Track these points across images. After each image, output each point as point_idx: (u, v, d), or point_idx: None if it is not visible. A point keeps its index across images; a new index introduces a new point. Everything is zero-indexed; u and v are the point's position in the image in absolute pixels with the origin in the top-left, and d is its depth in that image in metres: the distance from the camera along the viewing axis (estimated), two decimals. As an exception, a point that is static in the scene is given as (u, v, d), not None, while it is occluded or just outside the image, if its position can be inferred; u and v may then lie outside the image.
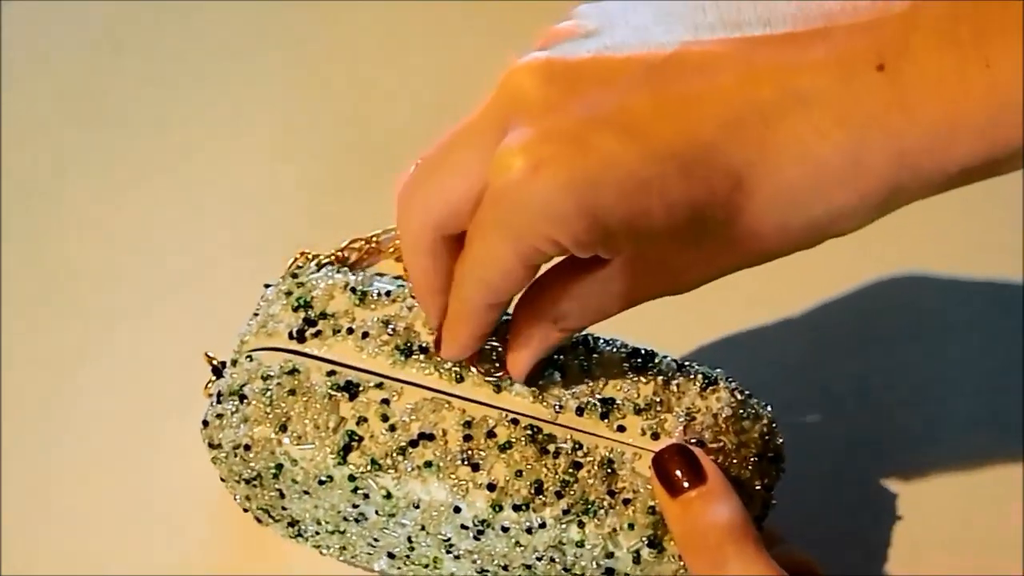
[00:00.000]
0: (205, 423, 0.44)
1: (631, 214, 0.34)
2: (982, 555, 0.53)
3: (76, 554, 0.53)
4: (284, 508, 0.45)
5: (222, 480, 0.46)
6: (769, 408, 0.44)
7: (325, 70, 0.71)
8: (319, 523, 0.45)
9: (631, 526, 0.40)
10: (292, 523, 0.46)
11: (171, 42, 0.72)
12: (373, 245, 0.62)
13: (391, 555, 0.46)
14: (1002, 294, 0.61)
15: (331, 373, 0.43)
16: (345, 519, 0.44)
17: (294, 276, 0.46)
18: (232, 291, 0.60)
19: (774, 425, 0.44)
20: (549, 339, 0.40)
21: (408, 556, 0.45)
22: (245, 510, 0.47)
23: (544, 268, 0.38)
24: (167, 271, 0.62)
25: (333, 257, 0.61)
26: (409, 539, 0.44)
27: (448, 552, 0.43)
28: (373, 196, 0.65)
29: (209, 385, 0.47)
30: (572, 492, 0.40)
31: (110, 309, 0.61)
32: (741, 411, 0.42)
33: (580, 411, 0.42)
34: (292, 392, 0.43)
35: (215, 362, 0.47)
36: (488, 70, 0.70)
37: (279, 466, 0.42)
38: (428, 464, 0.41)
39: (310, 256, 0.61)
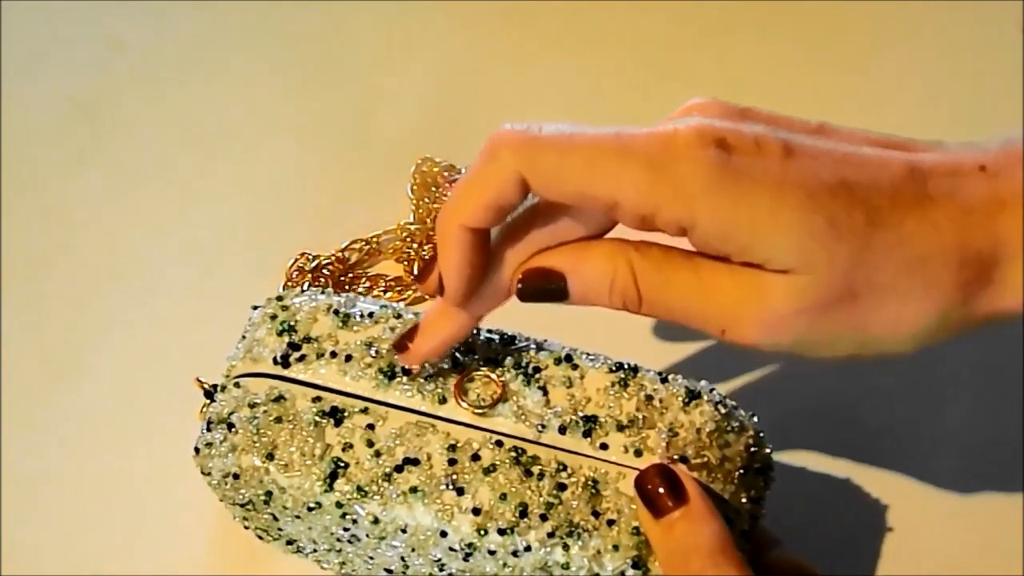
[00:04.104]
0: (197, 450, 0.44)
1: (780, 206, 0.36)
2: (982, 555, 0.52)
3: (76, 555, 0.54)
4: (280, 529, 0.46)
5: (220, 501, 0.46)
6: (755, 419, 0.44)
7: (326, 72, 0.71)
8: (315, 542, 0.46)
9: (616, 548, 0.40)
10: (290, 542, 0.47)
11: (170, 44, 0.72)
12: (373, 246, 0.63)
13: (388, 571, 0.46)
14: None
15: (316, 399, 0.43)
16: (339, 540, 0.45)
17: (279, 299, 0.46)
18: (233, 291, 0.61)
19: (761, 435, 0.43)
20: None
21: (404, 573, 0.45)
22: (245, 527, 0.48)
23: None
24: (168, 271, 0.63)
25: (333, 258, 0.62)
26: (402, 558, 0.44)
27: (441, 571, 0.44)
28: (374, 197, 0.65)
29: (204, 409, 0.47)
30: (557, 514, 0.41)
31: (114, 309, 0.62)
32: (725, 424, 0.42)
33: (563, 430, 0.42)
34: (278, 420, 0.43)
35: (206, 386, 0.47)
36: (490, 73, 0.70)
37: (269, 493, 0.43)
38: (414, 490, 0.41)
39: (311, 257, 0.62)
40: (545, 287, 0.40)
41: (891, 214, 0.36)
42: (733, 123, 0.37)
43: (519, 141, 0.38)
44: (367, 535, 0.43)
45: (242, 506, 0.45)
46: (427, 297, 0.62)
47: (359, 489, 0.41)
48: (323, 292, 0.46)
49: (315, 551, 0.47)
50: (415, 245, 0.63)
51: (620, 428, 0.42)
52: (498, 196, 0.39)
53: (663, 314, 0.40)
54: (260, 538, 0.48)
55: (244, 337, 0.46)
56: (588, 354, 0.44)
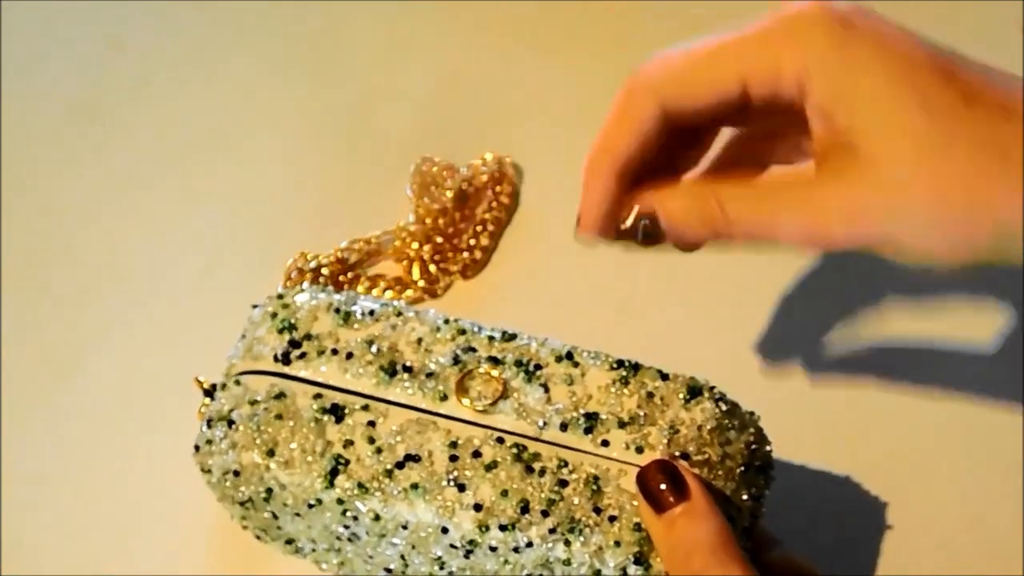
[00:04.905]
0: (197, 448, 0.44)
1: (887, 78, 0.37)
2: (982, 555, 0.52)
3: (76, 555, 0.54)
4: (279, 528, 0.46)
5: (219, 501, 0.46)
6: (756, 417, 0.44)
7: (326, 72, 0.71)
8: (314, 541, 0.46)
9: (617, 544, 0.40)
10: (289, 541, 0.47)
11: (170, 44, 0.73)
12: (373, 246, 0.63)
13: (388, 570, 0.46)
14: (1002, 298, 0.60)
15: (317, 396, 0.43)
16: (338, 538, 0.44)
17: (280, 297, 0.46)
18: (232, 291, 0.61)
19: (762, 434, 0.43)
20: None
21: (404, 572, 0.45)
22: (244, 528, 0.48)
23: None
24: (167, 271, 0.63)
25: (333, 258, 0.62)
26: (402, 556, 0.44)
27: (441, 568, 0.44)
28: (373, 197, 0.65)
29: (202, 408, 0.47)
30: (558, 511, 0.40)
31: (114, 309, 0.62)
32: (726, 422, 0.42)
33: (564, 427, 0.42)
34: (279, 417, 0.43)
35: (206, 385, 0.47)
36: (490, 73, 0.70)
37: (269, 490, 0.43)
38: (415, 486, 0.41)
39: (309, 257, 0.62)
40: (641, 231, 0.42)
41: (984, 99, 0.37)
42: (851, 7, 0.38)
43: (651, 80, 0.40)
44: (367, 533, 0.43)
45: (241, 504, 0.45)
46: (426, 297, 0.62)
47: (360, 486, 0.41)
48: (324, 290, 0.46)
49: (314, 550, 0.47)
50: (415, 245, 0.63)
51: (621, 425, 0.42)
52: (640, 135, 0.41)
53: (748, 229, 0.40)
54: (258, 538, 0.48)
55: (244, 336, 0.46)
56: (589, 352, 0.44)
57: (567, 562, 0.40)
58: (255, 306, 0.47)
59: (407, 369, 0.43)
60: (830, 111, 0.38)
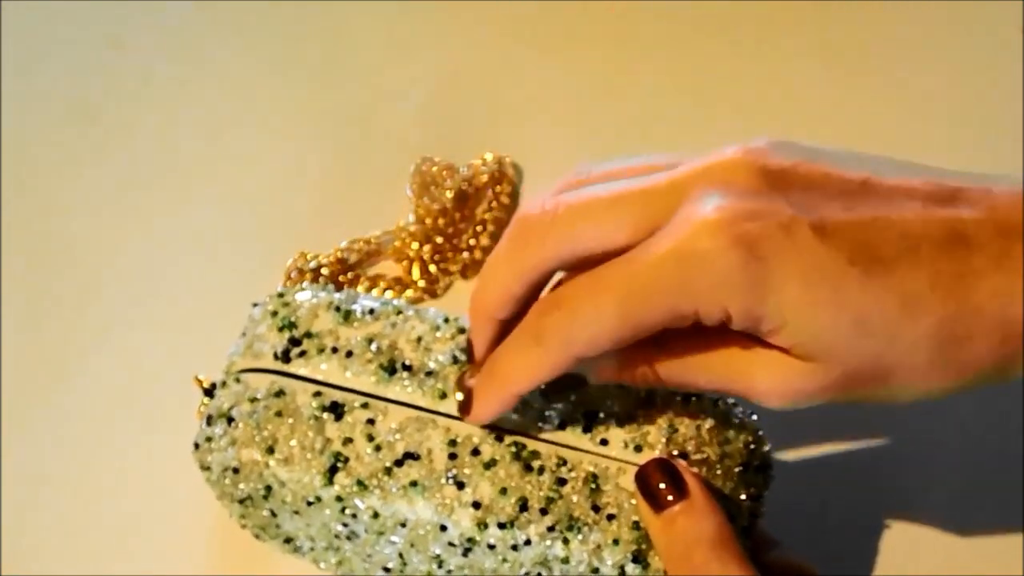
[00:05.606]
0: (196, 446, 0.44)
1: (806, 301, 0.36)
2: (982, 555, 0.52)
3: (76, 555, 0.54)
4: (278, 526, 0.46)
5: (218, 499, 0.46)
6: (755, 417, 0.44)
7: (326, 71, 0.71)
8: (313, 540, 0.46)
9: (616, 542, 0.40)
10: (288, 540, 0.47)
11: (170, 44, 0.72)
12: (373, 246, 0.63)
13: (387, 569, 0.46)
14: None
15: (317, 394, 0.43)
16: (337, 536, 0.45)
17: (280, 295, 0.46)
18: (232, 291, 0.61)
19: (760, 434, 0.43)
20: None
21: (402, 571, 0.45)
22: (243, 527, 0.48)
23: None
24: (168, 271, 0.63)
25: (333, 258, 0.62)
26: (400, 555, 0.44)
27: (439, 567, 0.44)
28: (373, 197, 0.65)
29: (202, 407, 0.47)
30: (557, 509, 0.41)
31: (114, 309, 0.62)
32: (725, 421, 0.42)
33: (563, 425, 0.42)
34: (279, 414, 0.43)
35: (205, 384, 0.47)
36: (490, 73, 0.70)
37: (268, 488, 0.43)
38: (414, 484, 0.41)
39: (309, 257, 0.62)
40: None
41: (930, 297, 0.35)
42: (759, 203, 0.36)
43: (558, 339, 0.38)
44: (366, 531, 0.43)
45: (240, 502, 0.45)
46: (426, 297, 0.62)
47: (359, 483, 0.42)
48: (324, 289, 0.46)
49: (312, 549, 0.47)
50: (415, 245, 0.63)
51: (620, 424, 0.42)
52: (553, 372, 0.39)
53: (686, 389, 0.41)
54: (257, 537, 0.48)
55: (245, 333, 0.46)
56: (588, 350, 0.44)
57: (565, 560, 0.40)
58: (255, 304, 0.47)
59: (407, 367, 0.43)
60: (753, 332, 0.37)
